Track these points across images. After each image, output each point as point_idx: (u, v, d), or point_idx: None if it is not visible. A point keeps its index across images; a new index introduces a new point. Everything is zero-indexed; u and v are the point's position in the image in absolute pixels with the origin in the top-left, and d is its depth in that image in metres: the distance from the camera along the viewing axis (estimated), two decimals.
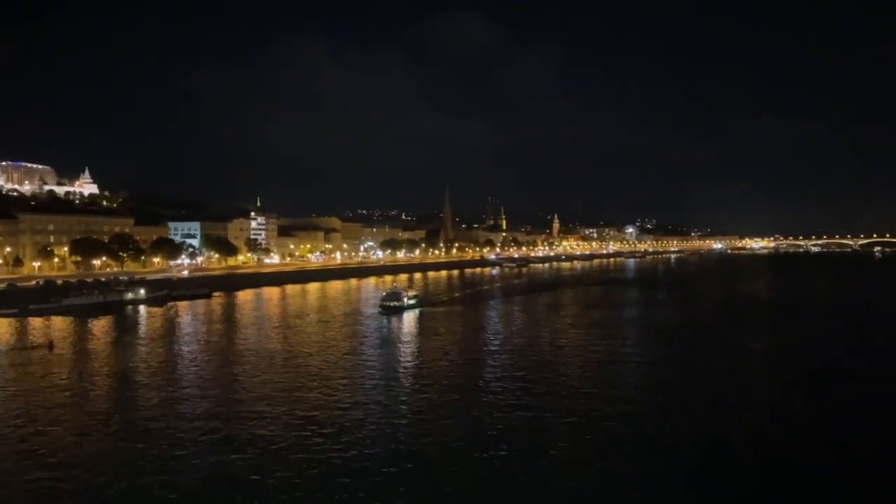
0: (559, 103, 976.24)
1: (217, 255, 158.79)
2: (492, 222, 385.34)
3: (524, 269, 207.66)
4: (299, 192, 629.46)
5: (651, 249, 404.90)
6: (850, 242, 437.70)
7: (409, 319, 73.03)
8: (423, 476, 24.89)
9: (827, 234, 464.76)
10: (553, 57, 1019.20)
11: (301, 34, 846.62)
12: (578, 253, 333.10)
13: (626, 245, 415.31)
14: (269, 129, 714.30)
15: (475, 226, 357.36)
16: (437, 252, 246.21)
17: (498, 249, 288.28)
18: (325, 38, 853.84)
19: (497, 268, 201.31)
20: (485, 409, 33.79)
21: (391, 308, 78.60)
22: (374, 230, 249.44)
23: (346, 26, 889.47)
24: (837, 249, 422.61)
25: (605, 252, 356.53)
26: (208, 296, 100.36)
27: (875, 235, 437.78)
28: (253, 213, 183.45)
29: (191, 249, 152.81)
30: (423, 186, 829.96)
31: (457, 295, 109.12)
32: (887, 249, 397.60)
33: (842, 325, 69.23)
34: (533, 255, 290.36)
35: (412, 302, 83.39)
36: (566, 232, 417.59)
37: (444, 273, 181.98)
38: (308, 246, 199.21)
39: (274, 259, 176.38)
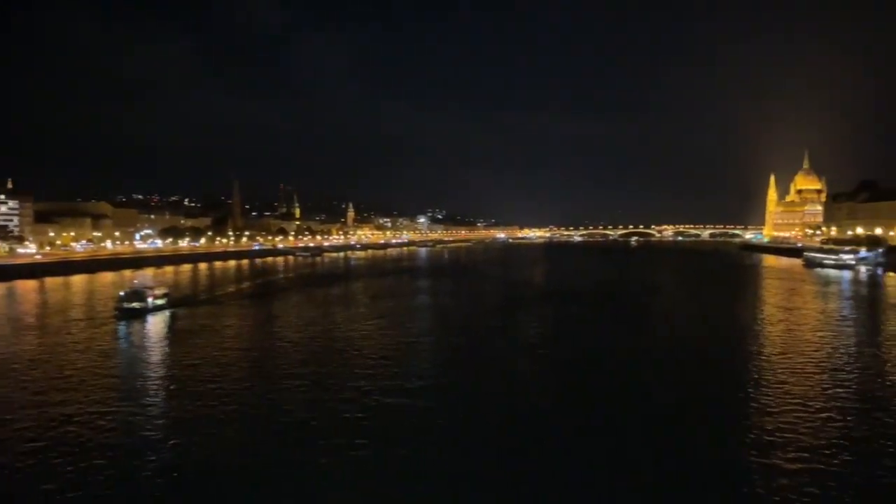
0: (354, 91, 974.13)
1: None
2: (284, 210, 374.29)
3: (318, 259, 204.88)
4: (63, 174, 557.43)
5: (442, 239, 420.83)
6: (611, 233, 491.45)
7: (159, 323, 61.71)
8: (190, 492, 22.90)
9: (592, 225, 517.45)
10: (348, 44, 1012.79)
11: (76, 5, 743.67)
12: (373, 242, 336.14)
13: (418, 234, 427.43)
14: (30, 103, 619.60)
15: (267, 213, 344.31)
16: (225, 241, 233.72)
17: (291, 238, 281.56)
18: (103, 10, 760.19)
19: (255, 259, 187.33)
20: (256, 413, 32.09)
21: (131, 311, 63.54)
22: (153, 217, 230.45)
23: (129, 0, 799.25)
24: (600, 239, 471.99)
25: (398, 241, 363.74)
26: None
27: (631, 226, 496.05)
28: (3, 196, 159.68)
29: None
30: (211, 171, 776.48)
31: (244, 286, 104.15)
32: (641, 239, 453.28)
33: (605, 305, 77.00)
34: (327, 244, 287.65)
35: (161, 302, 68.54)
36: (361, 221, 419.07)
37: (232, 263, 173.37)
38: (73, 234, 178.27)
39: (30, 248, 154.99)
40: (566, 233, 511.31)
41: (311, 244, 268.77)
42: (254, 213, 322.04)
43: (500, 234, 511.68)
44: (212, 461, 25.59)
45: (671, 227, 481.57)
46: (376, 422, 30.17)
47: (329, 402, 33.22)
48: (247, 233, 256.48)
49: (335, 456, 25.80)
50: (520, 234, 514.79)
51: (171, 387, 37.26)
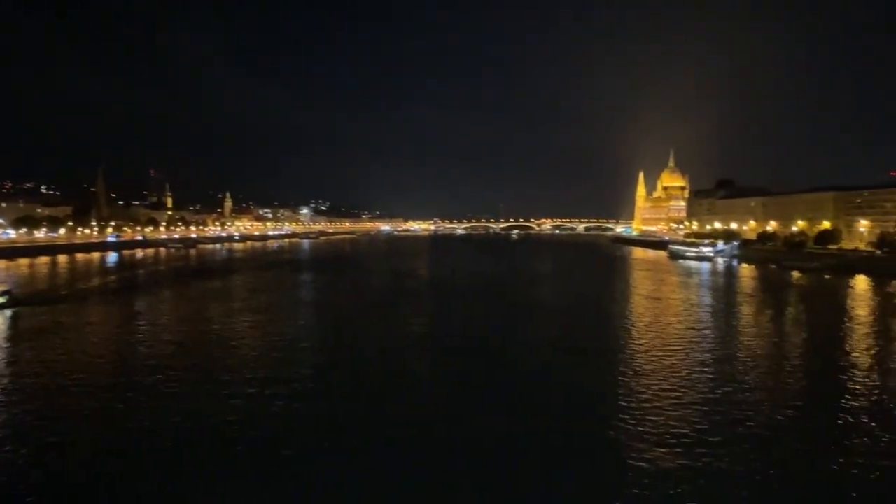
0: (232, 76, 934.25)
1: None
2: (155, 199, 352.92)
3: (192, 251, 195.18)
4: None
5: (325, 230, 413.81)
6: (493, 225, 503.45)
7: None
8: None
9: (475, 219, 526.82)
10: (229, 30, 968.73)
11: None
12: (253, 234, 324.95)
13: (301, 226, 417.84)
14: None
15: (136, 203, 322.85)
16: (88, 231, 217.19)
17: (163, 228, 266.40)
18: None
19: (115, 253, 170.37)
20: (116, 417, 29.88)
21: None
22: (5, 205, 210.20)
23: None
24: (483, 232, 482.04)
25: (280, 233, 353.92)
26: None
27: (512, 220, 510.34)
28: None
29: None
30: (72, 156, 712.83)
31: (110, 280, 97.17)
32: (522, 232, 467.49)
33: (488, 297, 78.29)
34: (203, 235, 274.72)
35: (1, 300, 62.03)
36: (240, 212, 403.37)
37: (96, 255, 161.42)
38: None
39: None
40: (450, 225, 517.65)
41: (181, 235, 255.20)
42: (121, 202, 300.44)
43: (386, 227, 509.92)
44: (58, 468, 23.46)
45: (549, 220, 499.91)
46: (254, 422, 28.82)
47: (201, 405, 31.38)
48: (112, 223, 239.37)
49: (206, 464, 24.42)
50: (405, 227, 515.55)
51: (8, 390, 33.74)
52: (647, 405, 31.07)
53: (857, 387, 35.27)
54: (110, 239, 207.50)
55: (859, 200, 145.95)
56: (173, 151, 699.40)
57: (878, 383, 36.16)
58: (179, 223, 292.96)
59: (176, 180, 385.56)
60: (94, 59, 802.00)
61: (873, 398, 33.06)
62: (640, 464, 23.96)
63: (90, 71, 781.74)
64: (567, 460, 24.73)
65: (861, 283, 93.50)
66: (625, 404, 31.27)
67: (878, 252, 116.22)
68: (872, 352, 45.44)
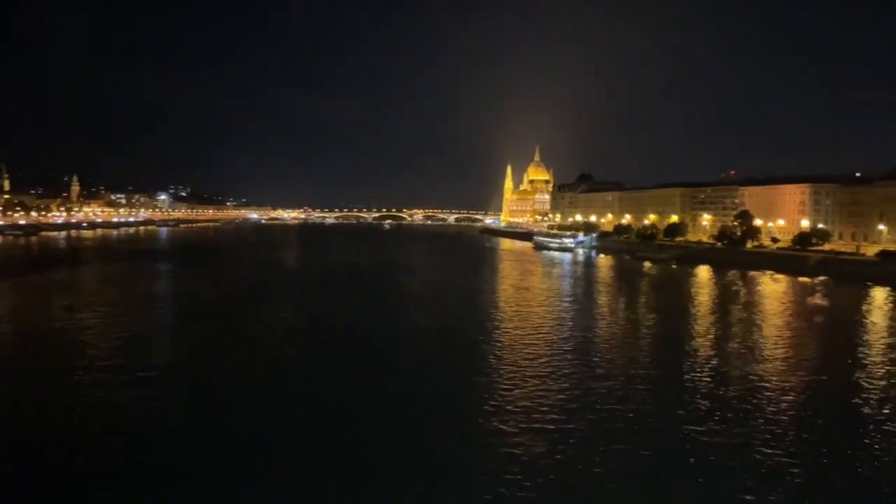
0: (82, 48, 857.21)
1: None
2: None
3: (33, 239, 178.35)
4: None
5: (186, 218, 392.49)
6: (366, 216, 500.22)
7: None
8: None
9: (346, 208, 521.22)
10: (81, 4, 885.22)
11: None
12: (104, 220, 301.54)
13: (159, 213, 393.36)
14: None
15: None
16: None
17: None
18: None
19: None
20: None
21: None
22: None
23: None
24: (354, 221, 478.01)
25: (135, 220, 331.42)
26: None
27: (384, 210, 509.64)
28: None
29: None
30: None
31: None
32: (393, 222, 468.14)
33: (359, 287, 77.35)
34: (46, 221, 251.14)
35: None
36: (89, 196, 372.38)
37: None
38: None
39: None
40: (320, 214, 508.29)
41: (13, 221, 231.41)
42: None
43: (253, 215, 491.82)
44: None
45: (421, 211, 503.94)
46: (103, 420, 26.58)
47: (49, 401, 28.60)
48: None
49: (51, 463, 22.16)
50: (273, 215, 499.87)
51: None
52: (515, 389, 31.90)
53: (698, 362, 38.57)
54: None
55: (703, 196, 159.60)
56: (12, 129, 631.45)
57: (715, 357, 39.42)
58: (18, 208, 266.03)
59: (15, 161, 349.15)
60: None
61: (711, 372, 36.21)
62: (502, 446, 24.55)
63: None
64: (430, 448, 24.78)
65: (703, 272, 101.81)
66: (496, 388, 32.02)
67: (719, 244, 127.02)
68: (710, 331, 50.14)
